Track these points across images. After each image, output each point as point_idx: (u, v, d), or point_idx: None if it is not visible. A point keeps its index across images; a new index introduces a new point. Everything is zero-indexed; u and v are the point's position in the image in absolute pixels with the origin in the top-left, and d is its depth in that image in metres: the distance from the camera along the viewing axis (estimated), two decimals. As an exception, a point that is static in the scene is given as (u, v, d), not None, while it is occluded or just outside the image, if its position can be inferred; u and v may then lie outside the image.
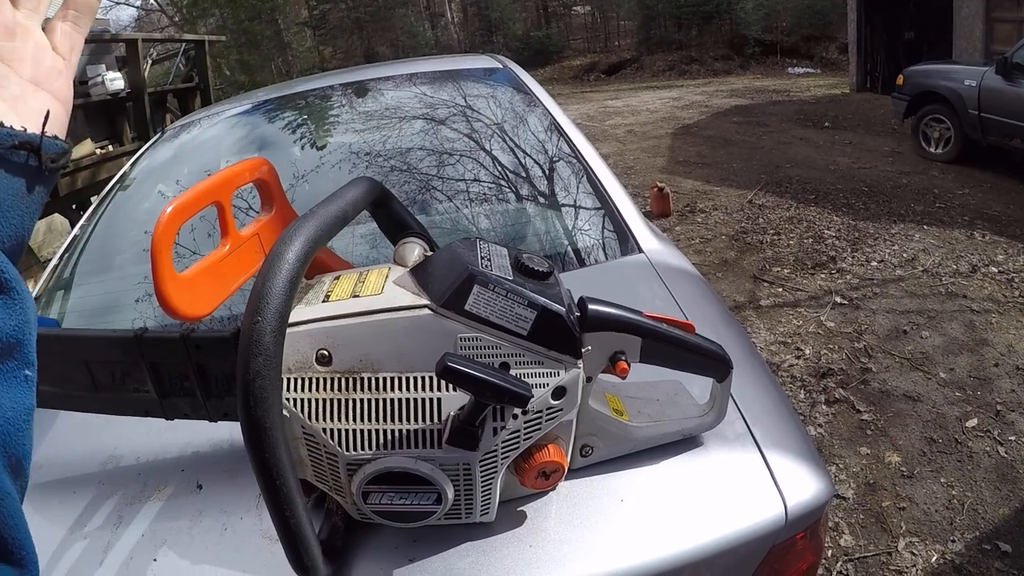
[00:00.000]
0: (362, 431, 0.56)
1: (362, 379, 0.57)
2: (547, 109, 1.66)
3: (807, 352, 3.24)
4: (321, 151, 1.60)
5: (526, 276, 0.60)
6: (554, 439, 0.62)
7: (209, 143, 1.83)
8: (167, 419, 0.75)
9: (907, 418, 2.69)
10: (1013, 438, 2.49)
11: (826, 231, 4.79)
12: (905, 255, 4.23)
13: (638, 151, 7.98)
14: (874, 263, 4.19)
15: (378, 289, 0.60)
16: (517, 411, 0.57)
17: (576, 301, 0.64)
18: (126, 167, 1.77)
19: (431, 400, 0.56)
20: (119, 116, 4.54)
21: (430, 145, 1.55)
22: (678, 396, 0.78)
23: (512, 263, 0.60)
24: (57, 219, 5.56)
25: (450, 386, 0.56)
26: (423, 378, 0.56)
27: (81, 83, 4.24)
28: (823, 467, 0.74)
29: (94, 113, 4.35)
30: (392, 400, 0.57)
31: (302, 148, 1.66)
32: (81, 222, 1.58)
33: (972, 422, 2.61)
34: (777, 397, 0.86)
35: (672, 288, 1.03)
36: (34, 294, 1.35)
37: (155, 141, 1.92)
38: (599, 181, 1.38)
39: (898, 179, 5.83)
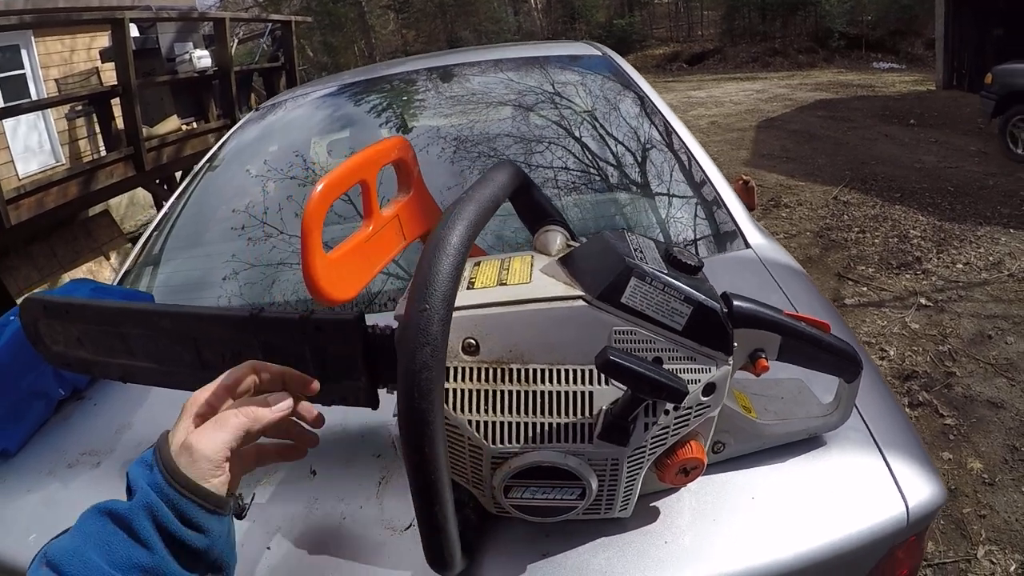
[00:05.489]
0: (510, 424, 0.55)
1: (511, 370, 0.55)
2: (651, 99, 1.62)
3: (891, 353, 3.14)
4: (436, 133, 1.58)
5: (678, 270, 0.58)
6: (695, 435, 0.61)
7: (302, 121, 1.85)
8: None
9: (990, 425, 2.60)
10: (1105, 454, 2.36)
11: (911, 231, 4.63)
12: (991, 258, 4.06)
13: (722, 143, 7.86)
14: (959, 265, 4.03)
15: (525, 278, 0.59)
16: (669, 407, 0.55)
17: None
18: (215, 146, 1.80)
19: (583, 393, 0.54)
20: (205, 94, 4.67)
21: (538, 133, 1.53)
22: (802, 394, 0.76)
23: (663, 256, 0.59)
24: (140, 193, 5.81)
25: (602, 380, 0.54)
26: (575, 371, 0.55)
27: (168, 60, 4.37)
28: (935, 471, 0.72)
29: (181, 90, 4.48)
30: (542, 392, 0.55)
31: (408, 129, 1.65)
32: (172, 199, 1.61)
33: (1061, 435, 2.48)
34: (889, 399, 0.84)
35: (781, 285, 1.01)
36: (123, 268, 1.38)
37: (245, 121, 1.95)
38: (707, 175, 1.36)
39: (984, 180, 5.56)
